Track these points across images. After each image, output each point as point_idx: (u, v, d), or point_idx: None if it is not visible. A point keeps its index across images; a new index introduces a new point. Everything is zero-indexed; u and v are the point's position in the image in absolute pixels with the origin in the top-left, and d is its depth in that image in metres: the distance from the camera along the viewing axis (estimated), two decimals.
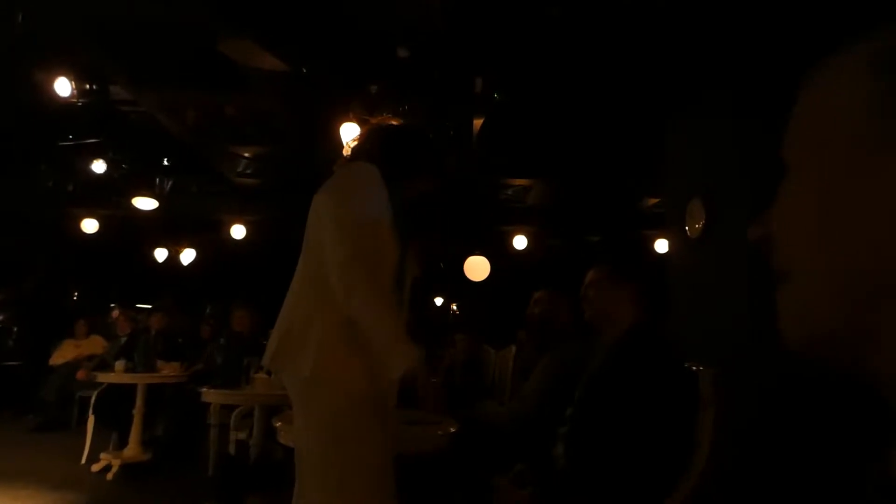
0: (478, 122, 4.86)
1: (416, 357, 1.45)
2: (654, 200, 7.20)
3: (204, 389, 3.72)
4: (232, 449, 3.99)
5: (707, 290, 3.52)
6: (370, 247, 1.52)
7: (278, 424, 2.11)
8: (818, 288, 0.37)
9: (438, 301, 10.06)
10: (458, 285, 8.15)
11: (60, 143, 5.11)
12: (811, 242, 0.37)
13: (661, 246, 6.62)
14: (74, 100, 3.92)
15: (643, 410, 1.52)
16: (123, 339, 5.42)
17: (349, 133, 4.07)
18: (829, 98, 0.38)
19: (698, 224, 3.65)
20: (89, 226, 7.34)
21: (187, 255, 8.40)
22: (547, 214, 7.56)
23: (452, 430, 2.08)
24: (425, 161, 1.79)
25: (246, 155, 6.50)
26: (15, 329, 7.38)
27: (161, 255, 8.30)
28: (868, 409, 1.48)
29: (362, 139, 1.88)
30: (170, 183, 6.70)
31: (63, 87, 3.89)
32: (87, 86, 3.90)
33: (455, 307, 10.04)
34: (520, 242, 7.53)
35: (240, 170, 6.79)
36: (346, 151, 4.29)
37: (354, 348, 1.49)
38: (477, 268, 6.99)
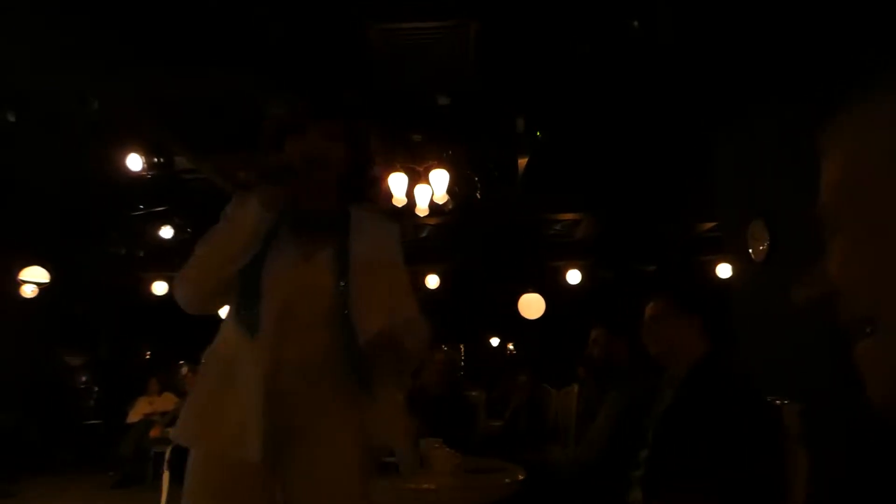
0: (522, 162, 4.90)
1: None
2: (709, 224, 6.98)
3: None
4: None
5: (777, 317, 3.34)
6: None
7: None
8: None
9: (494, 341, 9.94)
10: (513, 324, 8.05)
11: (132, 213, 5.48)
12: (891, 296, 0.35)
13: (723, 271, 6.37)
14: (144, 173, 4.24)
15: (725, 449, 1.43)
16: None
17: (397, 183, 4.18)
18: (863, 151, 0.37)
19: (762, 246, 3.50)
20: (159, 288, 7.75)
21: None
22: (598, 247, 7.44)
23: (520, 477, 2.03)
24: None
25: None
26: (95, 389, 7.78)
27: (224, 312, 8.62)
28: None
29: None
30: None
31: (135, 162, 4.22)
32: (155, 159, 4.21)
33: (511, 347, 9.88)
34: (573, 277, 7.41)
35: None
36: (396, 202, 4.38)
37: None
38: (531, 305, 6.90)
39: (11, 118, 4.18)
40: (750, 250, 3.61)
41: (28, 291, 6.44)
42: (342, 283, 1.28)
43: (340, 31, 3.56)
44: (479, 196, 5.21)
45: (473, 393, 4.13)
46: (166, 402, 6.66)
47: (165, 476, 4.80)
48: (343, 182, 1.35)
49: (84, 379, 7.91)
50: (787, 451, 1.53)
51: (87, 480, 6.29)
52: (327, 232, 1.33)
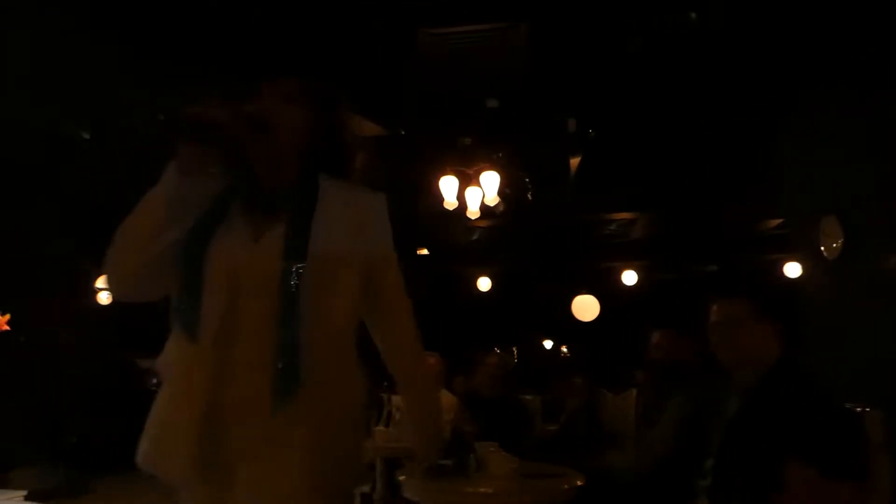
0: (575, 162, 4.83)
1: None
2: (775, 222, 6.65)
3: None
4: (357, 503, 4.06)
5: (852, 317, 3.14)
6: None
7: (402, 479, 2.12)
8: None
9: (548, 344, 9.81)
10: (567, 326, 7.92)
11: None
12: None
13: (792, 270, 6.05)
14: None
15: (802, 459, 1.35)
16: None
17: (448, 187, 4.20)
18: None
19: (835, 243, 3.31)
20: None
21: None
22: (655, 247, 7.22)
23: (579, 483, 1.98)
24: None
25: None
26: None
27: None
28: None
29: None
30: None
31: None
32: None
33: (565, 349, 9.72)
34: (629, 278, 7.22)
35: None
36: (448, 205, 4.40)
37: None
38: (585, 307, 6.77)
39: (86, 135, 4.46)
40: (822, 248, 3.41)
41: (104, 298, 6.83)
42: (296, 269, 1.01)
43: (391, 38, 3.61)
44: (530, 197, 5.16)
45: (528, 396, 4.08)
46: None
47: None
48: (308, 152, 1.13)
49: (154, 381, 8.32)
50: (869, 460, 1.43)
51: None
52: (285, 208, 1.09)
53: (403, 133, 4.34)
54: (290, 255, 1.03)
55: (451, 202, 4.22)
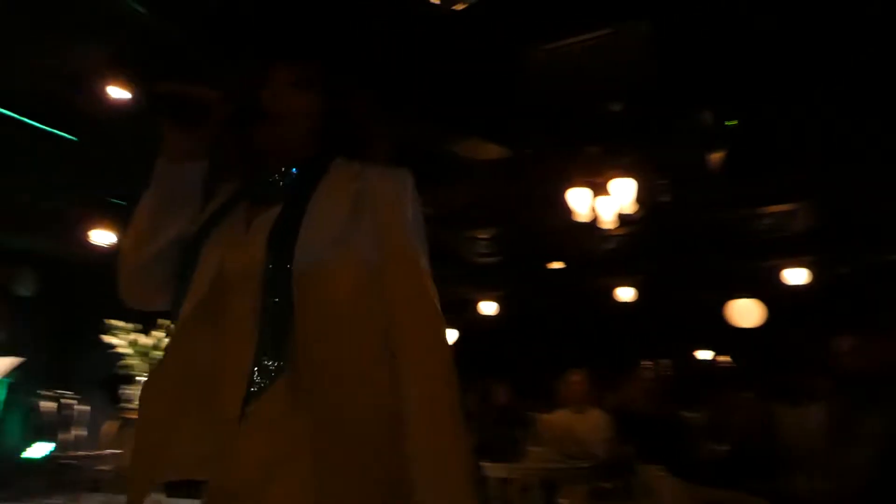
0: (716, 157, 4.47)
1: None
2: None
3: (486, 464, 3.88)
4: None
5: None
6: None
7: (563, 502, 2.07)
8: None
9: (706, 355, 9.03)
10: (726, 334, 7.26)
11: None
12: None
13: None
14: None
15: None
16: None
17: (578, 198, 4.11)
18: None
19: None
20: None
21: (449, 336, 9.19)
22: (822, 239, 6.39)
23: None
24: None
25: (483, 237, 7.00)
26: None
27: None
28: None
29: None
30: None
31: None
32: None
33: (728, 360, 8.88)
34: (795, 276, 6.46)
35: (479, 251, 7.32)
36: (580, 218, 4.30)
37: None
38: (746, 312, 6.17)
39: None
40: None
41: None
42: (279, 255, 0.88)
43: (505, 60, 3.64)
44: (668, 199, 4.87)
45: (690, 413, 3.78)
46: None
47: None
48: (318, 139, 1.03)
49: None
50: None
51: None
52: (284, 192, 0.97)
53: (529, 151, 4.34)
54: (274, 241, 0.89)
55: (583, 213, 4.13)
